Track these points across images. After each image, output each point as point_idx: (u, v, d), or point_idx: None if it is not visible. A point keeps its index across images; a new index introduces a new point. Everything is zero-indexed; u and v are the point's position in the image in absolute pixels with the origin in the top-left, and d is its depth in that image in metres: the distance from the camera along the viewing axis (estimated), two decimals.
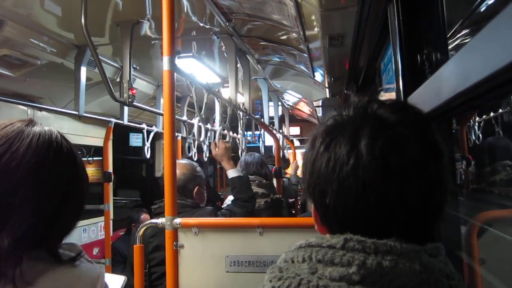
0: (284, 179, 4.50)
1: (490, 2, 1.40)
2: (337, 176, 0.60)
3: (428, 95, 0.93)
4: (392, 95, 1.67)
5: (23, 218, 0.73)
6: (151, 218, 2.29)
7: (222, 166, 2.65)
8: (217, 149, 2.54)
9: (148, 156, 4.06)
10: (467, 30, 1.55)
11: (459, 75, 0.74)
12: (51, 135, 0.81)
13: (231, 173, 2.44)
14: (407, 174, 0.58)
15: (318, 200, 0.64)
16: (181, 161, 2.37)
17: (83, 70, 3.06)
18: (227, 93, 3.12)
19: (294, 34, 2.62)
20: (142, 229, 1.66)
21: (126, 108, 3.72)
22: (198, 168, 2.35)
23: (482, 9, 1.45)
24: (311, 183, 0.65)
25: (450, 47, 1.33)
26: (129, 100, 2.55)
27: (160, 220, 1.57)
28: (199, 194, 2.29)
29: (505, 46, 0.57)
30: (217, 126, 2.91)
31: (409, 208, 0.59)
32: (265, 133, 4.80)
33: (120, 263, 4.09)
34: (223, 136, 3.07)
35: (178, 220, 1.55)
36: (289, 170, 5.39)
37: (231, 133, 4.19)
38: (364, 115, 0.63)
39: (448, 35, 1.38)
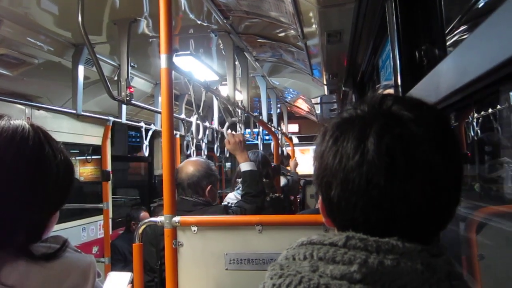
0: (288, 177, 4.49)
1: None
2: (342, 170, 0.60)
3: (427, 91, 0.93)
4: (390, 92, 1.67)
5: None
6: (151, 216, 2.29)
7: (220, 164, 2.63)
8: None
9: (146, 154, 4.05)
10: (465, 26, 1.55)
11: (457, 71, 0.74)
12: (15, 130, 0.78)
13: (244, 166, 2.41)
14: (412, 173, 0.57)
15: (324, 192, 0.65)
16: (196, 159, 2.36)
17: (81, 69, 3.05)
18: (225, 90, 3.12)
19: (292, 31, 2.61)
20: (141, 228, 1.66)
21: (124, 107, 3.71)
22: (214, 167, 2.33)
23: (480, 5, 1.45)
24: (319, 174, 0.66)
25: (448, 43, 1.33)
26: (127, 98, 2.53)
27: (159, 219, 1.57)
28: (212, 193, 2.27)
29: (502, 42, 0.57)
30: (215, 123, 2.90)
31: (412, 207, 0.58)
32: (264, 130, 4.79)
33: (120, 262, 4.10)
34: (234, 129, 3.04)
35: (177, 219, 1.55)
36: (289, 168, 5.39)
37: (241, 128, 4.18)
38: (377, 110, 0.63)
39: (446, 31, 1.38)
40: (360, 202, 0.60)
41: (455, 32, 1.57)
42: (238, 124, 3.10)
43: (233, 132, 2.56)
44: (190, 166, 2.23)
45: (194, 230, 1.56)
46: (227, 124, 2.78)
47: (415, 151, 0.58)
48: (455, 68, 0.76)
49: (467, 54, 0.70)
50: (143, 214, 4.45)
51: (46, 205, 0.82)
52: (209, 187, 2.24)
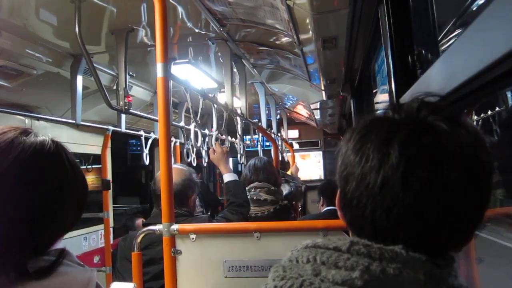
0: (292, 184, 4.47)
1: (481, 2, 1.40)
2: (362, 167, 0.61)
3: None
4: (386, 97, 1.67)
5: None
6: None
7: (219, 171, 2.63)
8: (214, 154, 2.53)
9: (147, 162, 4.06)
10: (459, 30, 1.55)
11: (447, 75, 0.75)
12: (42, 148, 0.78)
13: (227, 177, 2.42)
14: (430, 187, 0.56)
15: (342, 186, 0.66)
16: (178, 166, 2.26)
17: (79, 79, 3.06)
18: (224, 98, 3.12)
19: (288, 38, 2.62)
20: (140, 236, 1.65)
21: (123, 116, 3.72)
22: (194, 174, 2.27)
23: (474, 9, 1.45)
24: (340, 168, 0.66)
25: (442, 48, 1.34)
26: (126, 107, 2.54)
27: (157, 227, 1.57)
28: (194, 202, 2.20)
29: (489, 45, 0.57)
30: (213, 131, 2.91)
31: (421, 220, 0.57)
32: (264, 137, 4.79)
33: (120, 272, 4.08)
34: (222, 141, 3.06)
35: (175, 227, 1.55)
36: (289, 173, 5.38)
37: (229, 137, 4.19)
38: (412, 117, 0.62)
39: (440, 36, 1.39)
40: (371, 203, 0.59)
41: (449, 36, 1.58)
42: (222, 136, 3.09)
43: (220, 143, 2.57)
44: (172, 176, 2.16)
45: (193, 238, 1.56)
46: (215, 135, 2.79)
47: (439, 165, 0.56)
48: (444, 72, 0.76)
49: (455, 58, 0.71)
50: (138, 221, 4.44)
51: (60, 229, 0.81)
52: (193, 196, 2.18)
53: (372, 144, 0.60)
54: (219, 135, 2.86)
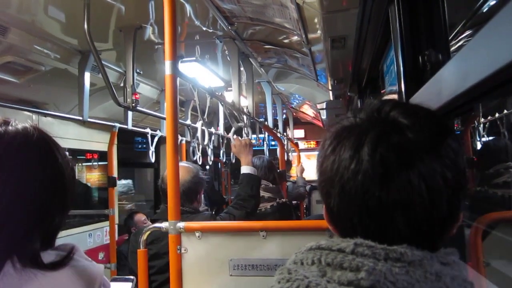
0: (288, 183, 4.48)
1: (492, 3, 1.39)
2: (340, 179, 0.61)
3: (429, 97, 0.92)
4: (394, 97, 1.66)
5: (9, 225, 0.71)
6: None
7: (226, 169, 2.63)
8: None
9: (152, 160, 4.07)
10: (470, 31, 1.54)
11: (460, 76, 0.74)
12: (27, 135, 0.79)
13: (244, 169, 2.41)
14: (409, 182, 0.57)
15: (325, 201, 0.66)
16: (185, 164, 2.28)
17: (87, 76, 3.08)
18: (231, 96, 3.13)
19: (296, 37, 2.62)
20: (146, 234, 1.66)
21: (130, 113, 3.73)
22: (201, 171, 2.30)
23: (485, 10, 1.44)
24: (320, 183, 0.66)
25: (452, 48, 1.32)
26: (133, 104, 2.55)
27: (163, 224, 1.57)
28: (201, 199, 2.25)
29: (505, 45, 0.56)
30: (221, 128, 2.92)
31: (410, 216, 0.58)
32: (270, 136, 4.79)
33: (126, 267, 4.09)
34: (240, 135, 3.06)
35: (181, 224, 1.55)
36: (293, 173, 5.38)
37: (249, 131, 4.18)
38: (375, 118, 0.63)
39: (451, 37, 1.38)
40: (358, 211, 0.60)
41: (460, 37, 1.57)
42: (244, 128, 3.10)
43: (239, 138, 2.57)
44: (182, 172, 2.16)
45: (198, 236, 1.56)
46: (233, 129, 2.79)
47: (411, 159, 0.57)
48: (457, 73, 0.75)
49: (469, 58, 0.70)
50: (137, 217, 4.47)
51: (65, 208, 0.83)
52: (201, 193, 2.22)
53: (344, 153, 0.61)
54: (225, 133, 2.87)
